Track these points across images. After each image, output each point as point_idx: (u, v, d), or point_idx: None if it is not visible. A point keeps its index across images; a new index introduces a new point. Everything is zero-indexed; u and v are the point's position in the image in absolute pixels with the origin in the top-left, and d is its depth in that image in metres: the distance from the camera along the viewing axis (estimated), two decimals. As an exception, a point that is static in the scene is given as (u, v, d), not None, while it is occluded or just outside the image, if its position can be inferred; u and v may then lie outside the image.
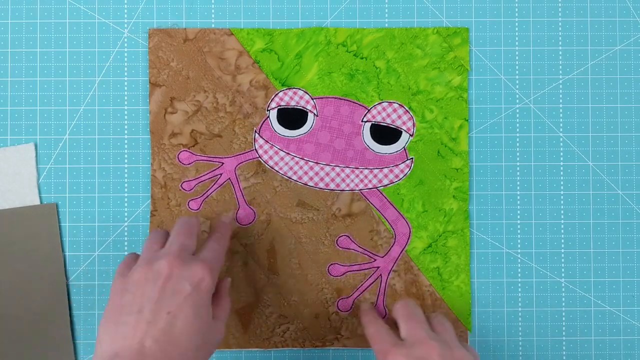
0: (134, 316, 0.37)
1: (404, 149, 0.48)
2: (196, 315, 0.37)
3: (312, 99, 0.47)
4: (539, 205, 0.48)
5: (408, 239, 0.48)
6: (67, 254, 0.47)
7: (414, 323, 0.42)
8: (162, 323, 0.36)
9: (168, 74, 0.47)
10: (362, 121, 0.47)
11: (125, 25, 0.48)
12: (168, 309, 0.37)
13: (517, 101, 0.48)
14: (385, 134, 0.47)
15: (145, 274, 0.38)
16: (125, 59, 0.48)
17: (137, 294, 0.38)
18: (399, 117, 0.47)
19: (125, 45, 0.48)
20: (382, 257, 0.47)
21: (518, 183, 0.48)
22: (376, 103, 0.48)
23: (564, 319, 0.48)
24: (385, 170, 0.47)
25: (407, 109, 0.48)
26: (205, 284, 0.38)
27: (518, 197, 0.48)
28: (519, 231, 0.48)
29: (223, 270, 0.47)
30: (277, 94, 0.47)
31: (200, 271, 0.39)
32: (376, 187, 0.48)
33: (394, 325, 0.44)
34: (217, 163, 0.47)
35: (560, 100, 0.48)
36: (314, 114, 0.47)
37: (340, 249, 0.47)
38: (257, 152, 0.48)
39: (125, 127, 0.48)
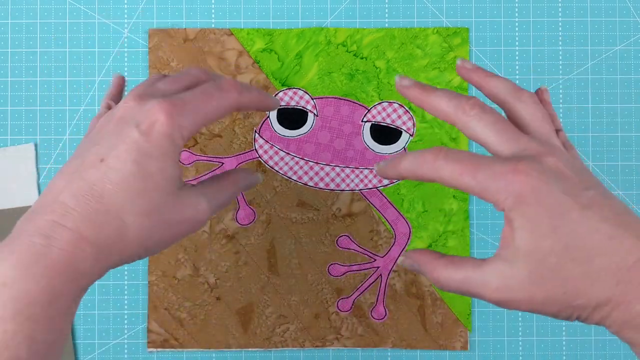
0: (71, 163, 0.29)
1: (404, 149, 0.48)
2: (140, 170, 0.28)
3: (312, 99, 0.47)
4: (539, 205, 0.48)
5: (408, 239, 0.48)
6: (67, 254, 0.47)
7: (504, 126, 0.30)
8: (93, 172, 0.28)
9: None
10: (362, 121, 0.47)
11: (125, 25, 0.48)
12: (103, 155, 0.28)
13: (517, 101, 0.48)
14: (385, 134, 0.47)
15: (106, 115, 0.31)
16: (125, 59, 0.48)
17: (85, 140, 0.30)
18: (399, 117, 0.48)
19: (125, 45, 0.48)
20: (382, 257, 0.47)
21: (518, 183, 0.48)
22: (376, 103, 0.48)
23: (564, 319, 0.48)
24: (385, 170, 0.47)
25: (407, 109, 0.48)
26: (158, 128, 0.28)
27: (518, 197, 0.48)
28: (519, 231, 0.48)
29: (222, 271, 0.47)
30: (277, 94, 0.47)
31: (155, 111, 0.28)
32: (376, 187, 0.48)
33: None
34: (217, 163, 0.47)
35: (560, 100, 0.48)
36: (314, 114, 0.47)
37: (340, 249, 0.47)
38: (257, 152, 0.48)
39: (125, 127, 0.48)
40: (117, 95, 0.35)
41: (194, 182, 0.47)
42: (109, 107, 0.33)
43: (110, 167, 0.28)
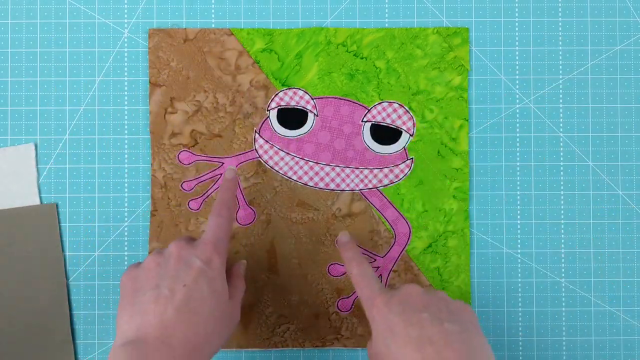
0: (151, 293, 0.37)
1: (404, 149, 0.48)
2: (211, 289, 0.38)
3: (312, 99, 0.47)
4: (539, 205, 0.48)
5: (408, 239, 0.48)
6: (67, 254, 0.47)
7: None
8: (180, 294, 0.37)
9: (168, 74, 0.47)
10: (362, 121, 0.47)
11: (125, 25, 0.48)
12: (184, 282, 0.37)
13: (517, 101, 0.48)
14: (385, 134, 0.47)
15: (155, 260, 0.39)
16: (125, 59, 0.48)
17: (150, 276, 0.38)
18: (399, 117, 0.47)
19: (125, 45, 0.48)
20: (382, 257, 0.47)
21: (518, 183, 0.48)
22: (376, 103, 0.48)
23: (564, 319, 0.48)
24: (386, 170, 0.47)
25: (407, 109, 0.48)
26: (215, 263, 0.39)
27: (518, 197, 0.48)
28: (519, 231, 0.48)
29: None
30: (277, 94, 0.47)
31: (208, 250, 0.39)
32: (376, 187, 0.48)
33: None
34: (217, 163, 0.47)
35: (560, 100, 0.48)
36: (314, 114, 0.47)
37: (340, 249, 0.47)
38: (257, 152, 0.48)
39: (125, 127, 0.48)
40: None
41: (195, 182, 0.47)
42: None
43: (192, 290, 0.37)
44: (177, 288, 0.37)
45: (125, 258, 0.47)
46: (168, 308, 0.36)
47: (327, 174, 0.47)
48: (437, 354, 0.35)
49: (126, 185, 0.47)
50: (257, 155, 0.48)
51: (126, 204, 0.47)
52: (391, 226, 0.48)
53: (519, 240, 0.48)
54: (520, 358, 0.48)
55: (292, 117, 0.47)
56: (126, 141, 0.48)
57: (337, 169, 0.47)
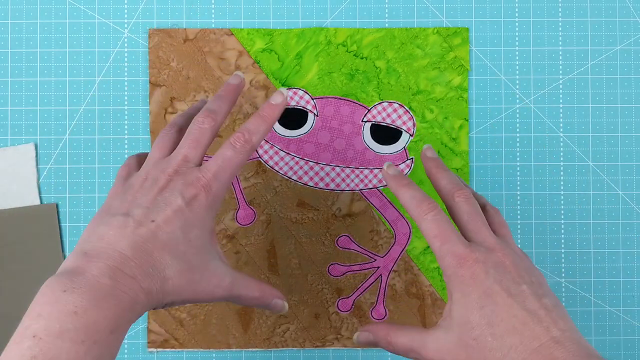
0: (118, 218, 0.33)
1: (404, 149, 0.48)
2: (184, 235, 0.33)
3: (312, 99, 0.47)
4: (539, 205, 0.48)
5: (408, 239, 0.47)
6: (67, 254, 0.47)
7: (480, 224, 0.36)
8: (144, 230, 0.32)
9: (168, 74, 0.47)
10: (362, 121, 0.47)
11: (125, 25, 0.48)
12: (154, 217, 0.33)
13: (517, 101, 0.48)
14: (385, 134, 0.47)
15: (142, 182, 0.35)
16: (125, 59, 0.48)
17: (128, 199, 0.34)
18: (399, 117, 0.48)
19: (125, 45, 0.48)
20: (382, 257, 0.47)
21: (518, 183, 0.48)
22: (376, 103, 0.48)
23: (564, 319, 0.48)
24: (386, 170, 0.47)
25: (407, 109, 0.48)
26: (200, 201, 0.34)
27: (518, 197, 0.48)
28: (519, 231, 0.48)
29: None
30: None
31: (195, 185, 0.34)
32: (376, 187, 0.48)
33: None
34: (217, 163, 0.47)
35: (560, 100, 0.48)
36: (314, 114, 0.47)
37: (340, 249, 0.47)
38: (257, 152, 0.48)
39: (125, 127, 0.48)
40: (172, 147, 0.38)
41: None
42: (139, 161, 0.38)
43: (161, 229, 0.33)
44: (145, 221, 0.33)
45: (125, 258, 0.47)
46: (123, 240, 0.32)
47: (327, 174, 0.47)
48: (546, 331, 0.32)
49: (126, 185, 0.47)
50: (257, 155, 0.48)
51: (126, 204, 0.47)
52: (391, 226, 0.48)
53: (518, 240, 0.48)
54: (520, 358, 0.47)
55: (292, 117, 0.47)
56: (126, 141, 0.48)
57: (337, 169, 0.47)
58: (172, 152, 0.37)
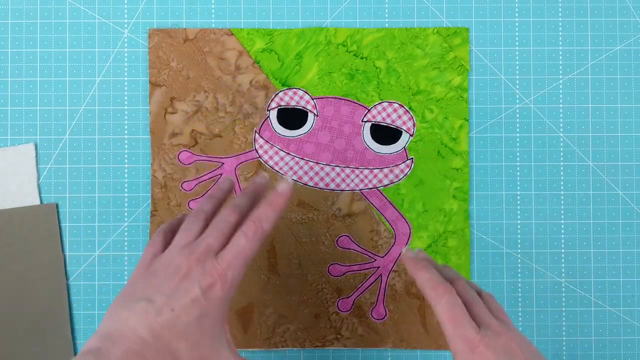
0: (141, 304, 0.34)
1: (404, 149, 0.48)
2: (199, 325, 0.34)
3: (312, 99, 0.47)
4: (539, 205, 0.48)
5: (408, 239, 0.48)
6: (67, 254, 0.47)
7: (480, 308, 0.38)
8: (163, 318, 0.34)
9: (168, 74, 0.47)
10: (362, 121, 0.47)
11: (125, 25, 0.48)
12: (173, 306, 0.34)
13: (517, 101, 0.48)
14: (385, 134, 0.47)
15: (166, 269, 0.36)
16: (125, 59, 0.48)
17: (151, 284, 0.35)
18: (399, 117, 0.48)
19: (125, 45, 0.48)
20: (382, 257, 0.47)
21: (518, 183, 0.48)
22: (376, 103, 0.48)
23: (564, 319, 0.48)
24: (386, 170, 0.47)
25: (407, 109, 0.48)
26: (216, 292, 0.35)
27: (518, 197, 0.48)
28: (519, 231, 0.48)
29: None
30: (277, 94, 0.47)
31: (212, 275, 0.35)
32: (376, 187, 0.48)
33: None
34: (217, 163, 0.47)
35: (560, 100, 0.48)
36: (314, 114, 0.47)
37: (340, 249, 0.47)
38: (257, 152, 0.48)
39: (125, 127, 0.48)
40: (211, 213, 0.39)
41: (195, 182, 0.47)
42: (165, 241, 0.38)
43: (179, 318, 0.34)
44: (166, 309, 0.34)
45: (125, 258, 0.47)
46: (144, 326, 0.34)
47: (327, 174, 0.47)
48: None
49: (126, 185, 0.47)
50: (257, 155, 0.48)
51: (126, 204, 0.47)
52: (391, 226, 0.48)
53: (519, 240, 0.48)
54: (520, 358, 0.47)
55: (292, 117, 0.47)
56: (126, 141, 0.48)
57: (337, 169, 0.47)
58: (197, 239, 0.37)
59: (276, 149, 0.47)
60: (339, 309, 0.47)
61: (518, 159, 0.48)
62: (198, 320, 0.34)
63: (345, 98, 0.47)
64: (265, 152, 0.47)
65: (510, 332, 0.36)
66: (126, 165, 0.47)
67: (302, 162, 0.47)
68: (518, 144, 0.48)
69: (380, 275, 0.47)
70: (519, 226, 0.48)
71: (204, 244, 0.37)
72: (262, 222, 0.37)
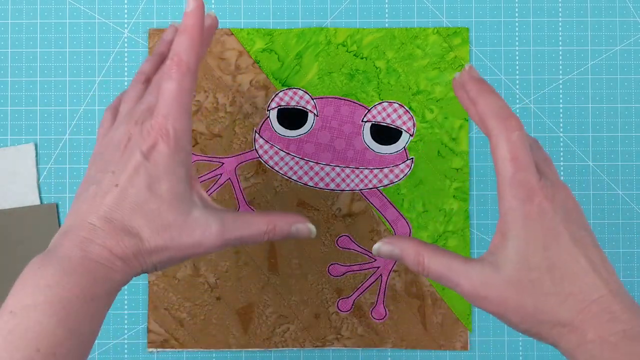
0: (90, 189, 0.32)
1: (404, 149, 0.48)
2: (152, 192, 0.31)
3: (312, 99, 0.47)
4: (539, 205, 0.48)
5: (408, 239, 0.47)
6: (67, 254, 0.47)
7: (538, 156, 0.33)
8: (110, 198, 0.31)
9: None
10: (362, 121, 0.47)
11: (125, 25, 0.48)
12: (117, 181, 0.31)
13: (517, 101, 0.48)
14: (385, 134, 0.47)
15: (111, 142, 0.33)
16: (125, 59, 0.48)
17: (99, 166, 0.32)
18: (399, 117, 0.48)
19: (125, 45, 0.48)
20: (382, 257, 0.47)
21: (518, 183, 0.48)
22: (376, 103, 0.48)
23: (564, 319, 0.48)
24: (386, 170, 0.47)
25: (407, 109, 0.48)
26: (160, 151, 0.31)
27: (518, 197, 0.48)
28: (519, 231, 0.48)
29: (223, 271, 0.47)
30: (277, 94, 0.47)
31: (150, 134, 0.31)
32: (376, 187, 0.48)
33: None
34: (217, 163, 0.47)
35: (560, 100, 0.48)
36: (314, 114, 0.47)
37: (340, 249, 0.47)
38: (257, 152, 0.48)
39: (125, 127, 0.48)
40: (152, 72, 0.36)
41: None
42: (114, 115, 0.35)
43: (126, 191, 0.31)
44: (111, 189, 0.31)
45: (125, 258, 0.47)
46: (93, 213, 0.31)
47: (327, 174, 0.47)
48: (605, 283, 0.30)
49: (126, 185, 0.47)
50: (257, 155, 0.48)
51: (126, 204, 0.47)
52: (391, 226, 0.48)
53: (519, 240, 0.48)
54: (521, 358, 0.47)
55: (292, 117, 0.47)
56: (126, 141, 0.47)
57: (337, 169, 0.47)
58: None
59: (276, 149, 0.47)
60: (339, 309, 0.47)
61: (518, 159, 0.48)
62: (149, 187, 0.31)
63: (345, 98, 0.47)
64: (265, 152, 0.47)
65: (568, 188, 0.32)
66: (126, 165, 0.47)
67: (302, 162, 0.47)
68: (518, 144, 0.48)
69: (380, 275, 0.47)
70: (519, 226, 0.48)
71: (144, 104, 0.33)
72: (180, 55, 0.32)
